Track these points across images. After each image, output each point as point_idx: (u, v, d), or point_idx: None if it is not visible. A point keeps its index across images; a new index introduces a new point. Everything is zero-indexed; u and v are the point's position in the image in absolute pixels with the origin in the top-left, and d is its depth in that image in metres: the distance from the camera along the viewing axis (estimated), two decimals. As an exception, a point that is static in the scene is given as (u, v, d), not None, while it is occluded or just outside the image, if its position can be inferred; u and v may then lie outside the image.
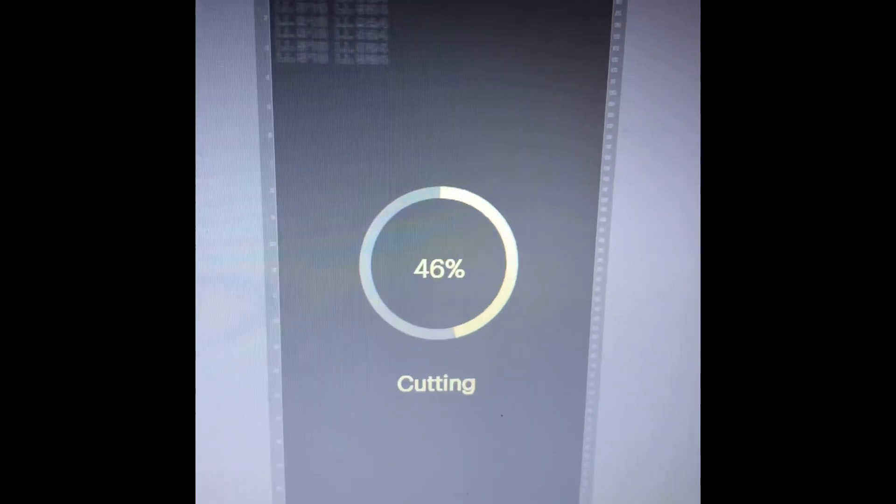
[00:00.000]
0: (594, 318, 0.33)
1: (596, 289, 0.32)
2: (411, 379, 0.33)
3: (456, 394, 0.33)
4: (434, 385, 0.33)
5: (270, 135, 0.30)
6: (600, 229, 0.32)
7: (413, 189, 0.31)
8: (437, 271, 0.32)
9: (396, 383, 0.33)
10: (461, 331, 0.33)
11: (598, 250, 0.32)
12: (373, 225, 0.31)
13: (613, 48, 0.30)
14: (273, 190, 0.30)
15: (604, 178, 0.31)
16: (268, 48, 0.29)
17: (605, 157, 0.31)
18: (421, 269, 0.32)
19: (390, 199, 0.31)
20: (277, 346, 0.32)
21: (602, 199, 0.31)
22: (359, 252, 0.31)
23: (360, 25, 0.29)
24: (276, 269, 0.31)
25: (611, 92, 0.30)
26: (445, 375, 0.33)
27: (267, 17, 0.29)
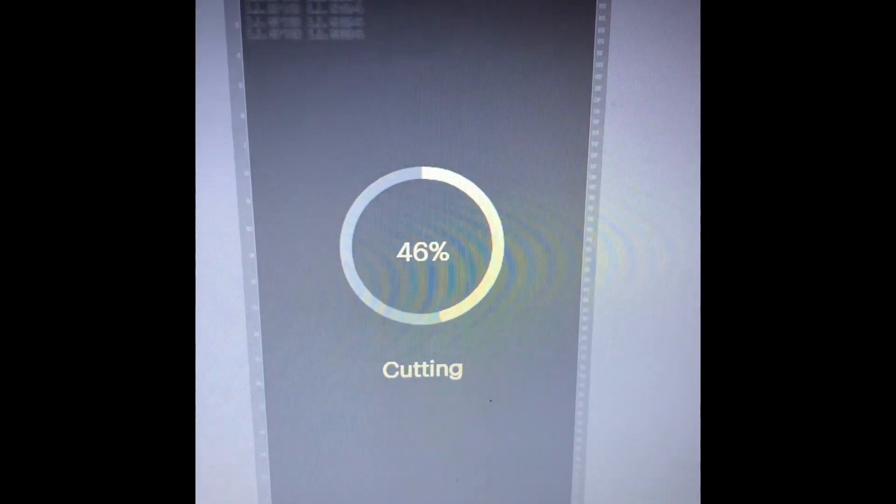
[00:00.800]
0: (584, 300, 0.32)
1: (585, 269, 0.31)
2: (397, 365, 0.32)
3: (443, 379, 0.32)
4: (420, 371, 0.32)
5: (243, 115, 0.29)
6: (589, 208, 0.31)
7: (394, 170, 0.30)
8: (420, 254, 0.31)
9: (382, 370, 0.32)
10: (447, 315, 0.32)
11: (587, 230, 0.31)
12: (353, 208, 0.30)
13: (599, 18, 0.29)
14: (248, 173, 0.29)
15: (592, 155, 0.30)
16: (238, 25, 0.28)
17: (593, 132, 0.30)
18: (404, 253, 0.31)
19: (370, 181, 0.30)
20: (258, 334, 0.31)
21: (590, 177, 0.30)
22: (339, 236, 0.30)
23: (333, -1, 0.28)
24: (253, 255, 0.30)
25: (597, 64, 0.29)
26: (432, 361, 0.32)
27: (236, -8, 0.28)
